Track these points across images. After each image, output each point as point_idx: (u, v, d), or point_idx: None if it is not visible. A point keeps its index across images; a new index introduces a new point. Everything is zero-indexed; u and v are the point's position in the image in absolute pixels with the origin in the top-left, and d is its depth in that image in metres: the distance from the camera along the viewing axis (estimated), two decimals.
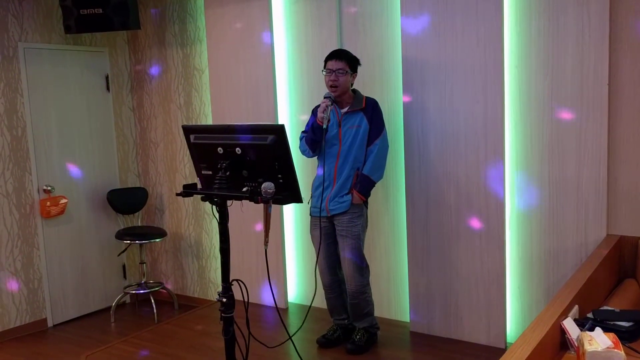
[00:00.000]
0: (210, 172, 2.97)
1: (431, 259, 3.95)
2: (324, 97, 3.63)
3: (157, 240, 5.11)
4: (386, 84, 4.06)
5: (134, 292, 5.19)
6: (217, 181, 2.81)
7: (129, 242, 5.02)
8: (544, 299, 3.67)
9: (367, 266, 3.74)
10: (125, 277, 5.49)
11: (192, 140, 2.99)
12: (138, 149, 5.56)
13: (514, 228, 3.72)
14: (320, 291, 3.96)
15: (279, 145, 2.71)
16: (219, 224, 2.87)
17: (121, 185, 5.42)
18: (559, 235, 3.58)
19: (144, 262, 5.25)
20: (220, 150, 2.85)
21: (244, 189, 2.85)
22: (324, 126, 3.54)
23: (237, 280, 2.93)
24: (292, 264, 4.70)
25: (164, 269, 5.55)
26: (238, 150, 2.80)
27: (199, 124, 5.09)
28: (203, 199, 2.88)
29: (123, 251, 5.24)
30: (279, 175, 2.77)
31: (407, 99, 3.91)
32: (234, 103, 4.71)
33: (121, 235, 5.05)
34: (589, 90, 3.38)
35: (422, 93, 3.85)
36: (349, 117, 3.65)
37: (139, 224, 5.44)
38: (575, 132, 3.45)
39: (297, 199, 2.80)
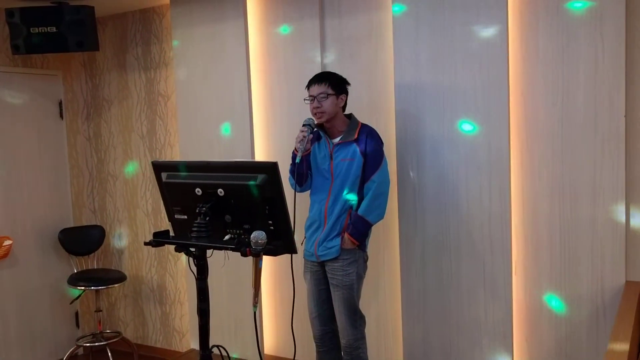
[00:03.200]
0: (186, 217, 2.53)
1: (428, 306, 3.56)
2: (303, 125, 3.23)
3: (115, 285, 4.56)
4: (376, 112, 3.69)
5: (88, 344, 4.61)
6: (194, 228, 2.37)
7: (83, 288, 4.46)
8: (555, 352, 3.30)
9: (361, 317, 3.32)
10: (78, 326, 4.90)
11: (164, 179, 2.54)
12: (94, 183, 5.03)
13: (521, 273, 3.36)
14: (302, 344, 3.51)
15: (271, 186, 2.30)
16: (197, 279, 2.42)
17: (75, 223, 4.87)
18: (572, 282, 3.24)
19: (100, 310, 4.68)
20: (198, 191, 2.43)
21: (227, 237, 2.42)
22: (298, 159, 3.14)
23: (217, 346, 2.47)
24: (267, 311, 4.23)
25: (122, 315, 4.99)
26: (220, 191, 2.38)
27: (165, 157, 4.62)
28: (177, 249, 2.43)
29: (76, 298, 4.67)
30: (270, 222, 2.35)
31: (400, 129, 3.55)
32: (205, 133, 4.26)
33: (74, 280, 4.49)
34: (604, 122, 3.08)
35: (417, 123, 3.50)
36: (341, 149, 3.25)
37: (95, 267, 4.88)
38: (590, 167, 3.14)
39: (291, 249, 2.39)
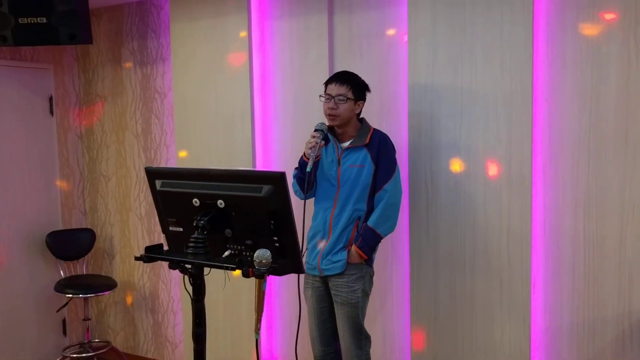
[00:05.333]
0: (182, 229, 2.28)
1: (439, 327, 3.32)
2: (315, 130, 2.99)
3: (106, 293, 4.31)
4: (387, 115, 3.45)
5: (75, 354, 4.37)
6: (191, 243, 2.13)
7: (70, 295, 4.21)
8: None
9: (366, 337, 3.10)
10: (65, 334, 4.65)
11: (158, 188, 2.30)
12: (85, 183, 4.78)
13: (540, 293, 3.14)
14: None
15: (277, 199, 2.05)
16: (193, 300, 2.18)
17: (64, 225, 4.62)
18: (596, 303, 3.01)
19: (89, 319, 4.44)
20: (196, 202, 2.18)
21: (226, 253, 2.18)
22: (309, 167, 2.89)
23: None
24: (264, 325, 3.99)
25: (112, 323, 4.75)
26: (221, 203, 2.13)
27: (161, 158, 4.38)
28: (172, 266, 2.19)
29: (63, 306, 4.42)
30: (275, 237, 2.11)
31: (413, 135, 3.31)
32: (203, 133, 4.01)
33: (62, 286, 4.24)
34: (636, 132, 2.85)
35: (431, 128, 3.26)
36: (350, 154, 3.02)
37: (84, 272, 4.63)
38: (619, 179, 2.91)
39: (298, 268, 2.15)
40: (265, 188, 2.06)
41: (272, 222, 2.09)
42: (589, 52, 2.93)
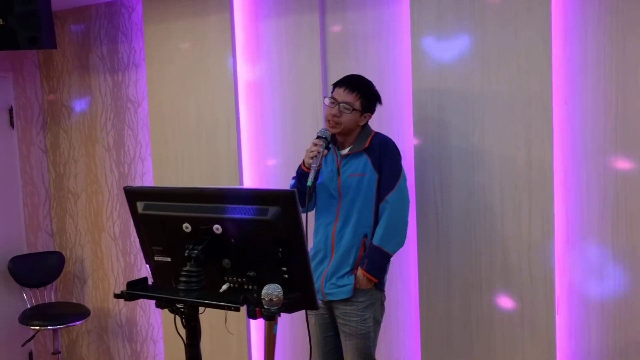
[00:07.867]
0: (169, 259, 1.94)
1: (453, 352, 3.04)
2: (317, 137, 2.68)
3: (77, 323, 3.93)
4: (388, 122, 3.15)
5: None
6: (183, 278, 1.78)
7: (38, 327, 3.81)
8: None
9: None
10: None
11: (140, 211, 1.94)
12: (52, 202, 4.40)
13: (566, 313, 2.87)
14: None
15: (287, 222, 1.74)
16: (187, 346, 1.83)
17: (29, 249, 4.23)
18: (627, 325, 2.75)
19: (59, 352, 4.04)
20: (187, 227, 1.84)
21: (224, 287, 1.84)
22: (310, 181, 2.57)
23: None
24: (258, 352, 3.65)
25: (85, 354, 4.36)
26: (217, 228, 1.80)
27: (135, 172, 4.03)
28: (159, 305, 1.84)
29: (29, 339, 4.02)
30: (284, 268, 1.78)
31: (420, 141, 3.03)
32: (183, 145, 3.69)
33: (28, 318, 3.85)
34: None
35: (441, 134, 2.98)
36: (350, 162, 2.71)
37: (53, 300, 4.24)
38: None
39: (311, 303, 1.82)
40: (273, 210, 1.73)
41: (280, 249, 1.76)
42: (613, 50, 2.68)
